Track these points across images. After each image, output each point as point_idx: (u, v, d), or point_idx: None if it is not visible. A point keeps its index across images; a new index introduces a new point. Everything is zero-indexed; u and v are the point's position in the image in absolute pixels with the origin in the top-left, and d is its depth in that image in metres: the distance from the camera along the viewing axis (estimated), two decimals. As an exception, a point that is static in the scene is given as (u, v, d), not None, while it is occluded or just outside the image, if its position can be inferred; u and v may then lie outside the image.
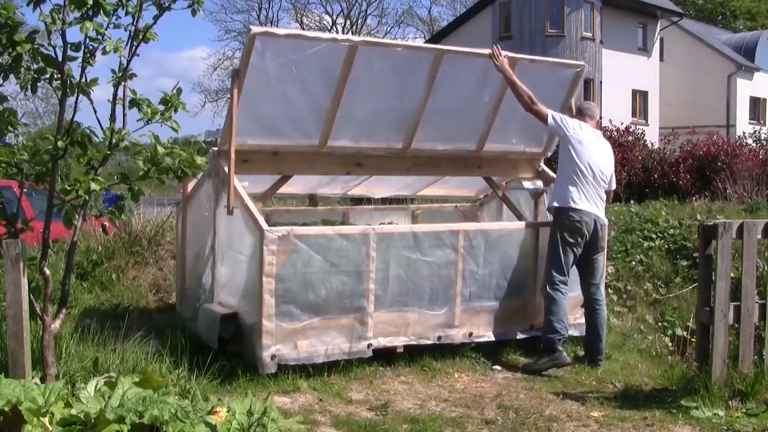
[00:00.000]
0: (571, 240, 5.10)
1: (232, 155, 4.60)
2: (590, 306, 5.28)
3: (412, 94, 5.38)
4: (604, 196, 5.29)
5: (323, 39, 4.96)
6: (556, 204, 5.19)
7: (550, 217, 5.36)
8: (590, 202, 5.14)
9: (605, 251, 5.48)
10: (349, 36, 5.09)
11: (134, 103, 3.47)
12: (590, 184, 5.16)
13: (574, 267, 5.25)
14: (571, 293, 5.39)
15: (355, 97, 5.08)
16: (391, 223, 6.39)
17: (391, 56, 5.28)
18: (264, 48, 4.62)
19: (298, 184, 6.03)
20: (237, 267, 4.81)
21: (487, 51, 5.36)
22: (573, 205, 5.10)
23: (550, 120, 5.22)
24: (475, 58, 5.51)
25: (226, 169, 4.65)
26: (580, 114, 5.47)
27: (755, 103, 32.71)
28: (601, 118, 23.21)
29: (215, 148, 4.95)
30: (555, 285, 5.07)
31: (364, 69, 4.99)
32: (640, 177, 16.65)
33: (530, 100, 5.21)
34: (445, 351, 5.09)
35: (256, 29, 4.56)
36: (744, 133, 19.61)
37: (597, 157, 5.22)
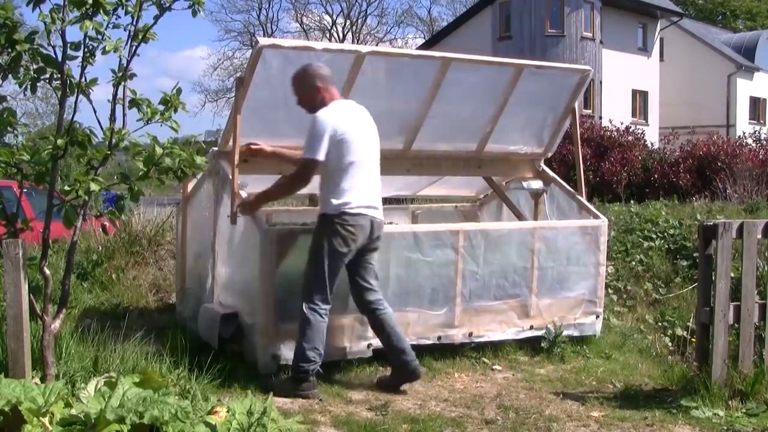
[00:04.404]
0: (343, 251, 4.21)
1: (236, 168, 4.58)
2: (375, 311, 4.41)
3: (416, 99, 5.38)
4: (379, 183, 4.44)
5: (331, 50, 4.93)
6: (326, 210, 4.26)
7: (551, 217, 5.32)
8: (367, 200, 4.29)
9: None
10: (358, 47, 5.06)
11: (134, 103, 3.47)
12: (365, 175, 4.31)
13: (345, 274, 4.37)
14: (570, 293, 5.38)
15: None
16: (391, 223, 6.38)
17: (398, 64, 5.28)
18: (270, 59, 4.62)
19: (298, 184, 6.01)
20: (237, 267, 4.81)
21: (492, 59, 5.33)
22: (348, 210, 4.21)
23: (318, 157, 4.18)
24: (482, 65, 5.50)
25: (230, 174, 4.64)
26: (324, 82, 4.38)
27: (755, 103, 32.73)
28: (601, 118, 23.46)
29: (215, 148, 4.95)
30: (314, 305, 4.21)
31: (369, 76, 5.00)
32: (640, 177, 16.66)
33: (285, 182, 4.41)
34: (445, 351, 5.09)
35: (263, 41, 4.53)
36: (744, 133, 19.61)
37: (368, 139, 4.39)
